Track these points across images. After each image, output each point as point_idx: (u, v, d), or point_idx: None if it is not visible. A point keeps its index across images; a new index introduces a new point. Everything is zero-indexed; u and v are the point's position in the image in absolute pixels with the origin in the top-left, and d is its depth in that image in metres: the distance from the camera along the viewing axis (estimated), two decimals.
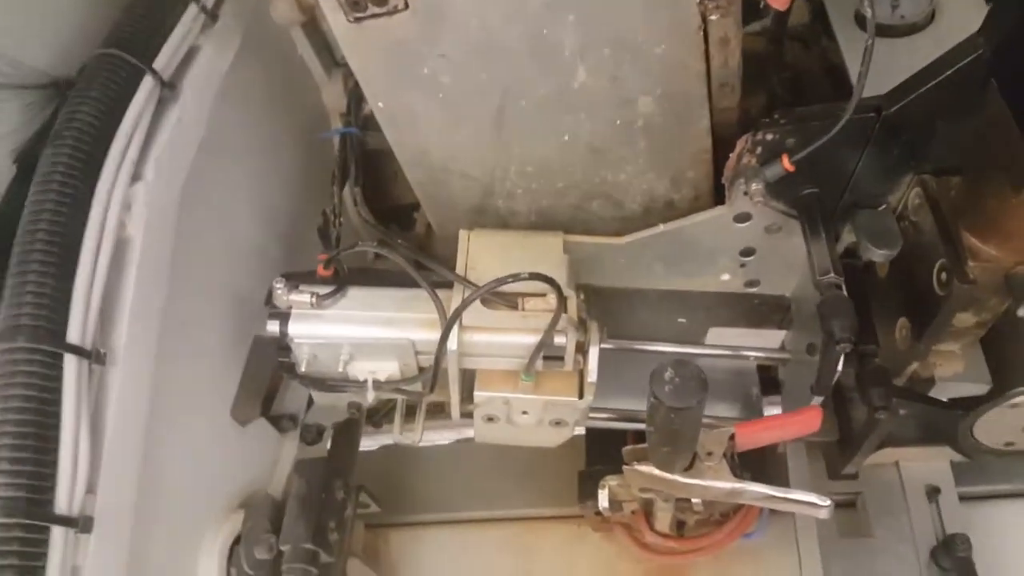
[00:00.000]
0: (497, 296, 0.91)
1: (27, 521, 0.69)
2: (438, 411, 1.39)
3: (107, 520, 0.76)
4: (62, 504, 0.72)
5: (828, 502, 0.86)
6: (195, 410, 0.94)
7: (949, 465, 1.09)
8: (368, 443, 1.23)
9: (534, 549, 1.23)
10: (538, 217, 1.05)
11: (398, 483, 1.30)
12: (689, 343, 1.14)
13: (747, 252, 1.02)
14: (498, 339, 0.92)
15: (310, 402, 1.15)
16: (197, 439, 0.94)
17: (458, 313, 0.88)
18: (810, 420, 0.92)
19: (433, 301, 0.92)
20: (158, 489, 0.85)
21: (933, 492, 1.07)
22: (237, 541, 0.96)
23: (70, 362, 0.75)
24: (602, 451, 1.16)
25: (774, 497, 0.87)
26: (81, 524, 0.74)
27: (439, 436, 1.39)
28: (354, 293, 0.96)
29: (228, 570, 0.94)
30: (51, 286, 0.76)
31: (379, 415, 1.23)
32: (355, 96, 1.21)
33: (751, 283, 1.07)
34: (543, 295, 0.92)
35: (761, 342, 1.15)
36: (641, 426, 1.12)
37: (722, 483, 0.89)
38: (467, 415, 1.03)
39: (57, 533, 0.71)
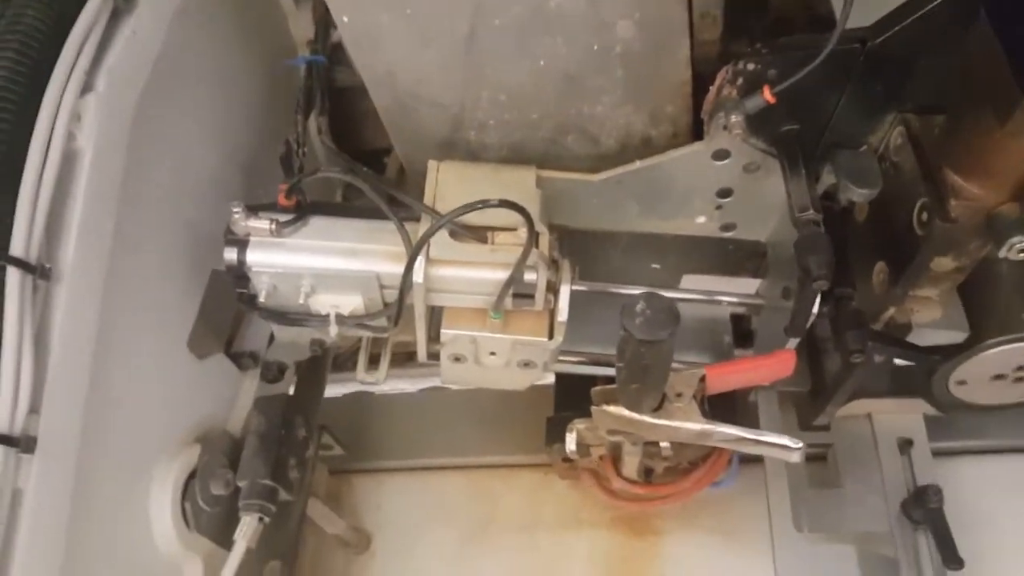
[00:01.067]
0: (465, 229, 0.88)
1: None
2: (405, 359, 1.37)
3: (51, 442, 0.72)
4: (2, 421, 0.68)
5: (800, 444, 0.84)
6: (148, 337, 0.90)
7: (922, 419, 1.08)
8: (332, 390, 1.19)
9: (499, 496, 1.21)
10: (510, 151, 1.01)
11: (363, 429, 1.27)
12: (662, 288, 1.11)
13: (724, 193, 0.99)
14: (466, 273, 0.89)
15: (272, 340, 1.11)
16: (150, 366, 0.90)
17: (423, 241, 0.84)
18: (784, 363, 0.90)
19: (399, 231, 0.88)
20: (107, 415, 0.82)
21: (905, 445, 1.06)
22: (192, 476, 0.92)
23: (12, 275, 0.71)
24: (571, 397, 1.13)
25: (745, 439, 0.85)
26: (23, 443, 0.70)
27: (406, 384, 1.37)
28: (316, 222, 0.93)
29: (182, 505, 0.91)
30: None
31: (343, 357, 1.19)
32: (324, 25, 1.16)
33: (727, 227, 1.04)
34: (514, 229, 0.89)
35: (735, 290, 1.12)
36: (611, 371, 1.10)
37: (691, 424, 0.87)
38: (434, 356, 1.00)
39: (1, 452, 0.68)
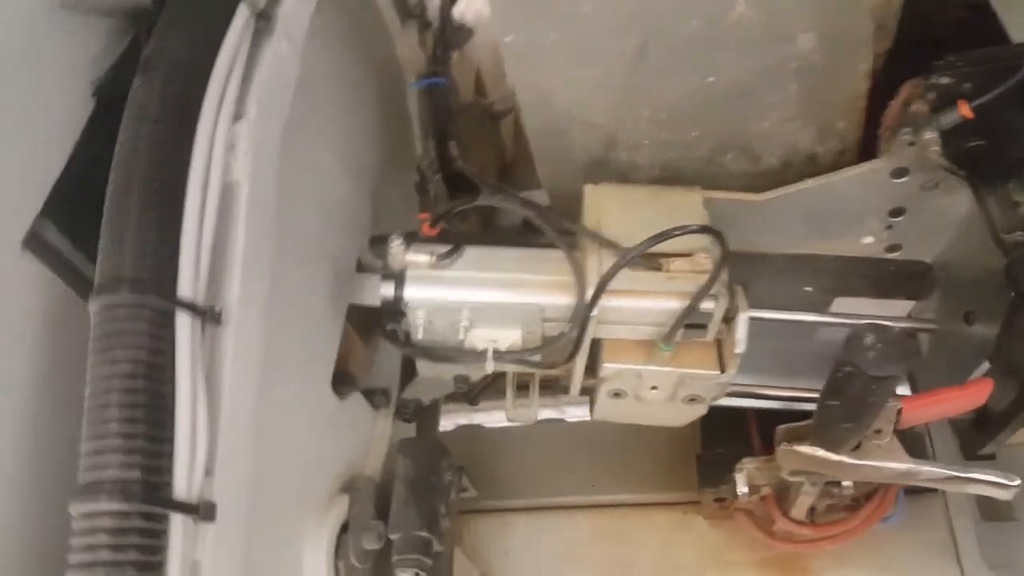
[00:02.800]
0: (641, 257, 0.81)
1: (146, 508, 0.58)
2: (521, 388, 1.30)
3: (227, 507, 0.65)
4: (180, 488, 0.61)
5: (1017, 481, 0.77)
6: (296, 381, 0.83)
7: None
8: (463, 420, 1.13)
9: (634, 537, 1.13)
10: (661, 171, 0.95)
11: (479, 466, 1.20)
12: (811, 311, 1.04)
13: (897, 212, 0.93)
14: (639, 304, 0.83)
15: (402, 376, 1.05)
16: (299, 412, 0.83)
17: (614, 272, 0.78)
18: (979, 393, 0.83)
19: (569, 261, 0.82)
20: (266, 470, 0.75)
21: None
22: (343, 531, 0.85)
23: (183, 320, 0.64)
24: (720, 432, 1.07)
25: (956, 478, 0.78)
26: (202, 511, 0.63)
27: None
28: (473, 253, 0.86)
29: (335, 564, 0.84)
30: (156, 231, 0.65)
31: (473, 392, 1.12)
32: (442, 45, 1.11)
33: (893, 247, 0.98)
34: (688, 255, 0.83)
35: (886, 313, 1.06)
36: (766, 404, 1.04)
37: (895, 463, 0.80)
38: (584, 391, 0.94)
39: (177, 522, 0.61)
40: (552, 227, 0.83)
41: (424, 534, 0.86)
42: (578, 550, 1.14)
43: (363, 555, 0.86)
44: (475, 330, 0.86)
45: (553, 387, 0.99)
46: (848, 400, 0.72)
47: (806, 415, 0.96)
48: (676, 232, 0.77)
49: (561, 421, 1.28)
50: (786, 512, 0.97)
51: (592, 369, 0.92)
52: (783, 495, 0.98)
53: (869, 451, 0.81)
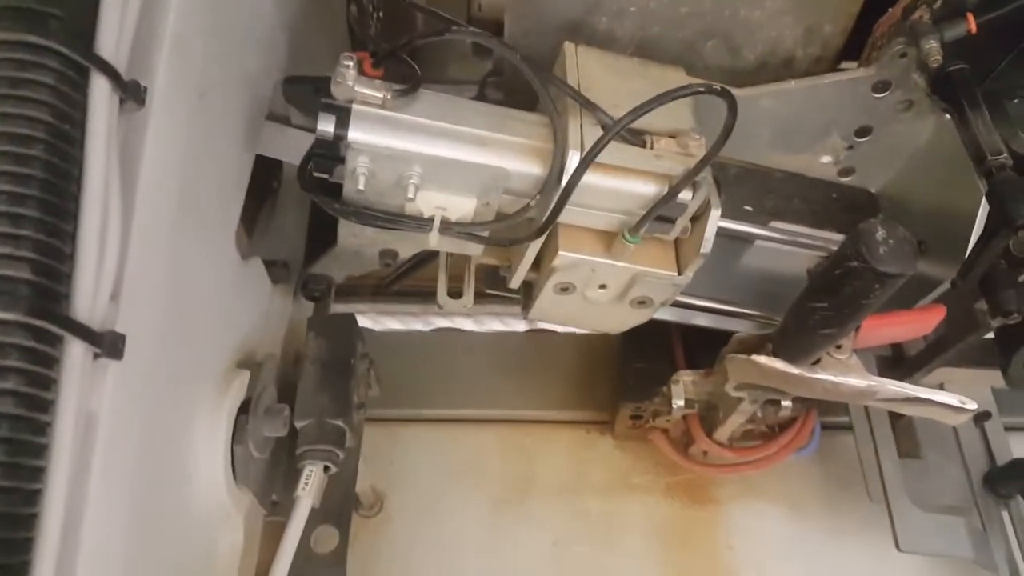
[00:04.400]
0: (626, 130, 0.72)
1: (36, 322, 0.42)
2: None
3: (135, 345, 0.50)
4: (82, 304, 0.46)
5: (974, 404, 0.76)
6: (203, 226, 0.67)
7: (991, 392, 1.05)
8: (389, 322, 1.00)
9: (536, 455, 1.05)
10: (637, 48, 0.86)
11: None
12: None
13: (863, 131, 0.89)
14: (620, 185, 0.74)
15: (308, 251, 0.90)
16: (203, 265, 0.67)
17: (608, 138, 0.68)
18: (932, 318, 0.82)
19: (553, 123, 0.71)
20: (173, 316, 0.59)
21: (982, 416, 1.02)
22: (240, 411, 0.70)
23: (100, 85, 0.48)
24: (641, 348, 1.00)
25: (916, 398, 0.76)
26: (106, 343, 0.47)
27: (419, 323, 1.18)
28: (433, 98, 0.73)
29: (231, 448, 0.69)
30: None
31: (394, 274, 0.99)
32: None
33: (846, 171, 0.95)
34: (672, 136, 0.75)
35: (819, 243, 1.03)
36: (695, 319, 0.98)
37: (855, 380, 0.77)
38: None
39: (75, 351, 0.45)
40: (537, 80, 0.72)
41: (338, 423, 0.73)
42: (475, 465, 1.04)
43: (263, 442, 0.72)
44: (424, 192, 0.73)
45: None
46: (842, 300, 0.67)
47: (727, 336, 0.92)
48: (681, 93, 0.68)
49: (462, 332, 1.17)
50: (709, 432, 0.93)
51: (537, 260, 0.82)
52: (708, 415, 0.93)
53: (828, 366, 0.77)
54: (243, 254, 0.76)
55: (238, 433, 0.69)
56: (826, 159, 0.93)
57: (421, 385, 1.09)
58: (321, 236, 0.88)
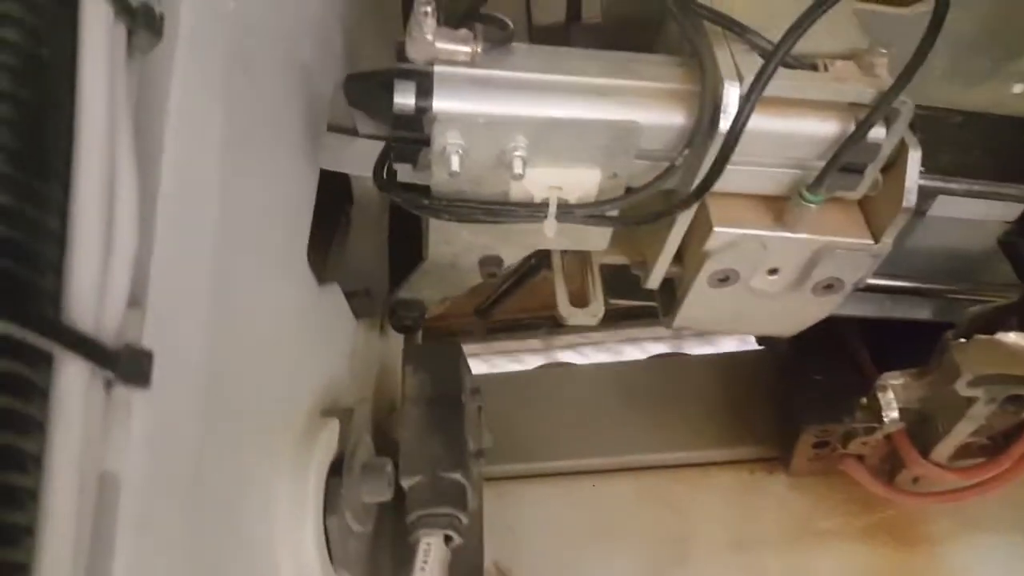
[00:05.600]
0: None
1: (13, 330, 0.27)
2: (512, 326, 1.02)
3: (172, 368, 0.34)
4: (81, 308, 0.30)
5: None
6: (263, 244, 0.51)
7: None
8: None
9: (690, 506, 0.86)
10: None
11: None
12: None
13: None
14: (794, 126, 0.56)
15: (392, 276, 0.74)
16: (267, 290, 0.51)
17: (769, 72, 0.51)
18: None
19: (699, 49, 0.55)
20: (223, 342, 0.43)
21: None
22: (330, 472, 0.54)
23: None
24: (813, 357, 0.80)
25: None
26: (124, 362, 0.31)
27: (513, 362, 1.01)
28: (531, 50, 0.58)
29: (323, 520, 0.52)
30: None
31: (498, 291, 0.82)
32: None
33: None
34: (849, 58, 0.57)
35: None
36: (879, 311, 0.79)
37: None
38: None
39: (72, 374, 0.29)
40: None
41: (455, 476, 0.56)
42: (615, 524, 0.85)
43: (363, 511, 0.55)
44: (533, 169, 0.57)
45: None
46: None
47: (917, 328, 0.73)
48: None
49: (570, 367, 1.00)
50: (925, 452, 0.72)
51: (681, 250, 0.65)
52: (921, 430, 0.72)
53: None
54: (318, 279, 0.61)
55: (331, 500, 0.52)
56: (1019, 88, 0.74)
57: (534, 433, 0.91)
58: (406, 257, 0.72)
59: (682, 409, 0.91)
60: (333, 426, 0.54)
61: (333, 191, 0.72)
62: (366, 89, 0.64)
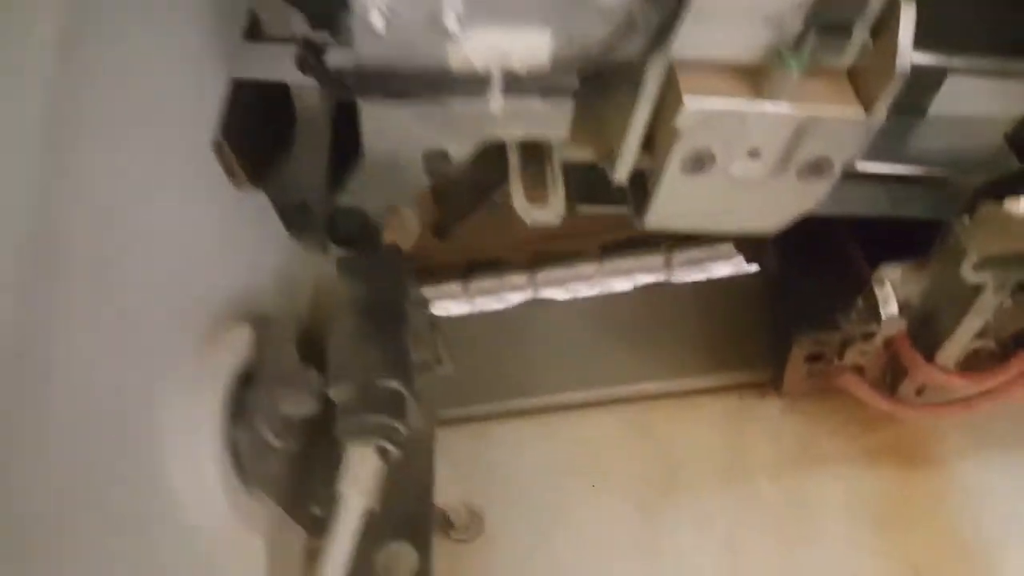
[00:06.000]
0: None
1: None
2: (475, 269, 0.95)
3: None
4: None
5: None
6: (160, 111, 0.44)
7: None
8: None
9: (678, 437, 0.79)
10: None
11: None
12: None
13: None
14: None
15: (331, 183, 0.67)
16: (171, 171, 0.44)
17: None
18: None
19: None
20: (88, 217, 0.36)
21: None
22: (242, 383, 0.47)
23: None
24: (801, 262, 0.73)
25: None
26: None
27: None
28: None
29: (231, 436, 0.45)
30: None
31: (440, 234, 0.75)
32: None
33: None
34: None
35: None
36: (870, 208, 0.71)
37: None
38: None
39: None
40: None
41: (392, 384, 0.48)
42: (597, 460, 0.78)
43: (282, 425, 0.48)
44: (472, 31, 0.49)
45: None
46: None
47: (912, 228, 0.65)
48: None
49: (550, 304, 0.92)
50: (929, 356, 0.65)
51: (650, 137, 0.57)
52: (922, 332, 0.65)
53: None
54: (237, 182, 0.54)
55: (240, 411, 0.45)
56: None
57: (510, 370, 0.84)
58: (347, 168, 0.65)
59: (667, 338, 0.84)
60: (242, 331, 0.47)
61: (275, 112, 0.66)
62: None
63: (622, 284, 0.97)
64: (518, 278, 0.93)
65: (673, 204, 0.60)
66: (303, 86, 0.63)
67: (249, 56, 0.57)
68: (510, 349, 0.86)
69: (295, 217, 0.63)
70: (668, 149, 0.56)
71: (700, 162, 0.56)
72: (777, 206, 0.61)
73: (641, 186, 0.62)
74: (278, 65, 0.57)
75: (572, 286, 0.96)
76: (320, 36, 0.50)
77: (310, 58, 0.52)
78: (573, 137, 0.58)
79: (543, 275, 0.97)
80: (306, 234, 0.63)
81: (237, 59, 0.56)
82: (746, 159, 0.57)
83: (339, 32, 0.51)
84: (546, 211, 0.59)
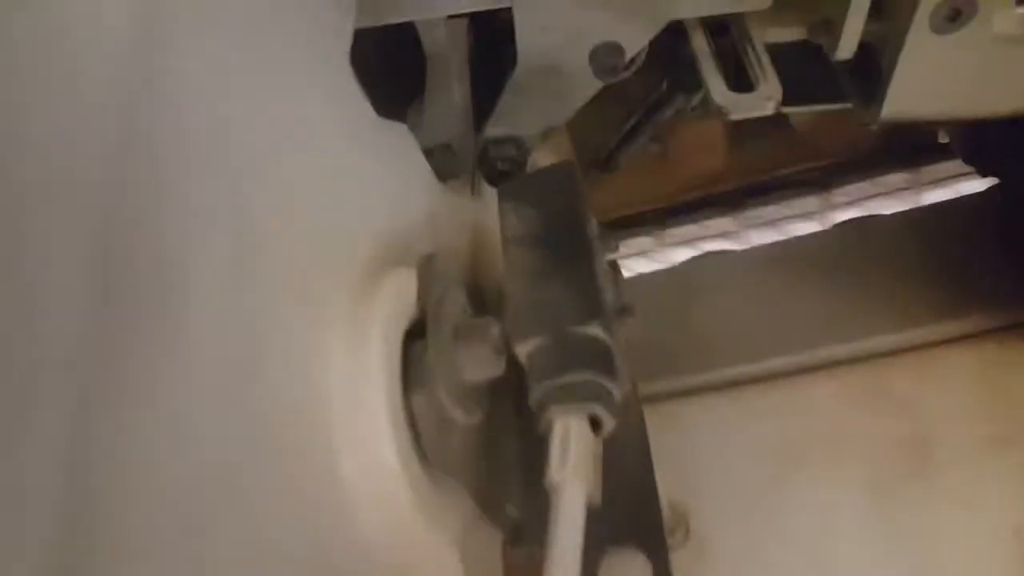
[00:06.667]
0: None
1: None
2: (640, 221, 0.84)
3: None
4: None
5: None
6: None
7: None
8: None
9: (918, 398, 0.63)
10: None
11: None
12: None
13: None
14: None
15: (478, 120, 0.57)
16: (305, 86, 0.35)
17: None
18: None
19: None
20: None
21: None
22: (413, 334, 0.36)
23: None
24: None
25: None
26: None
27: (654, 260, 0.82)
28: None
29: (408, 406, 0.34)
30: None
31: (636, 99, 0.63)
32: None
33: None
34: None
35: None
36: None
37: None
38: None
39: None
40: None
41: (593, 331, 0.37)
42: (818, 437, 0.64)
43: (464, 395, 0.37)
44: None
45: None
46: None
47: None
48: None
49: (733, 252, 0.80)
50: None
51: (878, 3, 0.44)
52: None
53: None
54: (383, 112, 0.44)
55: (414, 373, 0.35)
56: None
57: (694, 338, 0.71)
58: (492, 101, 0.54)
59: (887, 283, 0.69)
60: (406, 274, 0.37)
61: (406, 56, 0.57)
62: None
63: (808, 226, 0.83)
64: (720, 221, 0.81)
65: (918, 80, 0.46)
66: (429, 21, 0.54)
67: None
68: (685, 313, 0.74)
69: (441, 160, 0.53)
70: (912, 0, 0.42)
71: (955, 11, 0.43)
72: None
73: (868, 67, 0.48)
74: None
75: (747, 235, 0.83)
76: None
77: None
78: (774, 10, 0.46)
79: (711, 225, 0.84)
80: (455, 176, 0.54)
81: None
82: (1015, 6, 0.43)
83: None
84: (757, 99, 0.46)
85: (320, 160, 0.37)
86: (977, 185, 0.69)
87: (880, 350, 0.66)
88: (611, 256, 0.49)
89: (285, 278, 0.31)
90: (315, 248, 0.34)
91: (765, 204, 0.81)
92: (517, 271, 0.40)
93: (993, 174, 0.66)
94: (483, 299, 0.46)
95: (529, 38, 0.45)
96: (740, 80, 0.47)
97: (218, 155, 0.28)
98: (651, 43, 0.48)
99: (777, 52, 0.49)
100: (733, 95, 0.46)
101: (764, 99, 0.45)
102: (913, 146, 0.79)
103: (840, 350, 0.66)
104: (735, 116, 0.46)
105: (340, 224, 0.37)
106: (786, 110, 0.53)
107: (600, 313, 0.38)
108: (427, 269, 0.38)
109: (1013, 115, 0.48)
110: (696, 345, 0.70)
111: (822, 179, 0.81)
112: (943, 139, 0.76)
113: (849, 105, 0.50)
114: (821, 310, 0.69)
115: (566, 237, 0.41)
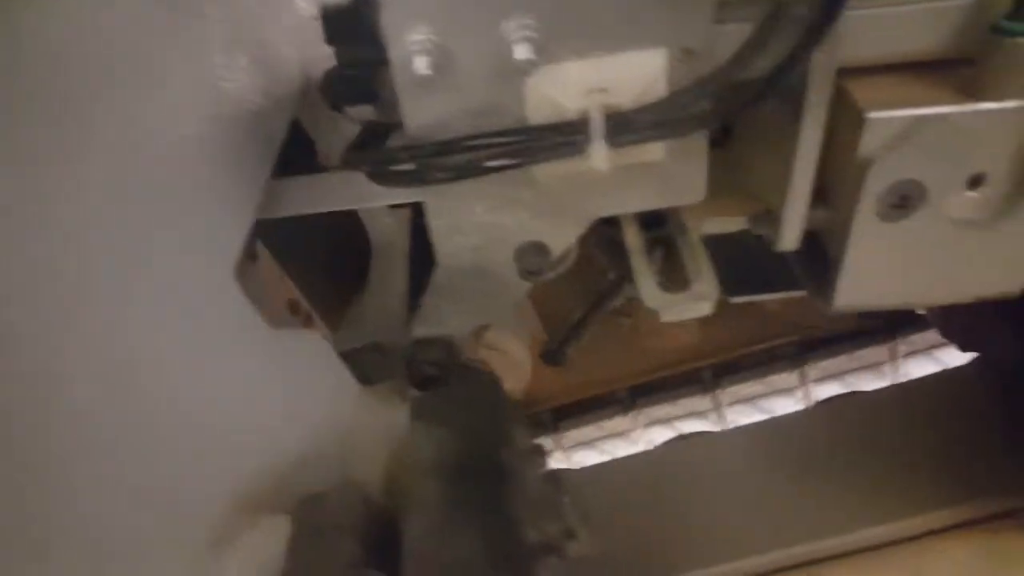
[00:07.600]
0: None
1: None
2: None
3: None
4: None
5: None
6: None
7: None
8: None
9: None
10: None
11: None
12: None
13: None
14: None
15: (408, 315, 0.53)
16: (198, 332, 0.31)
17: None
18: None
19: None
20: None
21: None
22: None
23: None
24: None
25: None
26: None
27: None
28: None
29: None
30: None
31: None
32: None
33: None
34: None
35: None
36: None
37: None
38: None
39: None
40: None
41: None
42: None
43: None
44: (553, 66, 0.36)
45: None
46: None
47: None
48: None
49: (709, 435, 0.74)
50: None
51: (820, 182, 0.41)
52: None
53: None
54: (275, 321, 0.40)
55: None
56: None
57: (672, 533, 0.64)
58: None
59: (872, 467, 0.63)
60: (271, 529, 0.32)
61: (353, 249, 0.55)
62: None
63: (787, 404, 0.77)
64: (695, 400, 0.76)
65: (869, 269, 0.42)
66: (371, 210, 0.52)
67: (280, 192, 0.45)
68: (662, 505, 0.67)
69: (368, 362, 0.49)
70: (855, 188, 0.39)
71: (903, 199, 0.39)
72: (1017, 256, 0.42)
73: (817, 254, 0.45)
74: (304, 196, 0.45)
75: (729, 412, 0.77)
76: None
77: (354, 156, 0.39)
78: (710, 201, 0.43)
79: (678, 405, 0.79)
80: (381, 380, 0.49)
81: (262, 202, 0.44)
82: (963, 191, 0.39)
83: (379, 100, 0.38)
84: (689, 300, 0.42)
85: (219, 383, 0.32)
86: (958, 357, 0.65)
87: (869, 543, 0.59)
88: (546, 467, 0.43)
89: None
90: (185, 485, 0.29)
91: (741, 381, 0.77)
92: (420, 509, 0.35)
93: (972, 348, 0.62)
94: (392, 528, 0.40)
95: (444, 239, 0.42)
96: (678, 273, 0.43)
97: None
98: (592, 233, 0.45)
99: (728, 238, 0.46)
100: (665, 296, 0.42)
101: (697, 299, 0.41)
102: (889, 317, 0.76)
103: (828, 544, 0.60)
104: (667, 318, 0.42)
105: (215, 465, 0.32)
106: (735, 300, 0.49)
107: (512, 567, 0.32)
108: (310, 512, 0.33)
109: (985, 300, 0.44)
110: (666, 548, 0.63)
111: (798, 353, 0.77)
112: (920, 310, 0.72)
113: (804, 293, 0.46)
114: (806, 498, 0.62)
115: (483, 467, 0.36)
